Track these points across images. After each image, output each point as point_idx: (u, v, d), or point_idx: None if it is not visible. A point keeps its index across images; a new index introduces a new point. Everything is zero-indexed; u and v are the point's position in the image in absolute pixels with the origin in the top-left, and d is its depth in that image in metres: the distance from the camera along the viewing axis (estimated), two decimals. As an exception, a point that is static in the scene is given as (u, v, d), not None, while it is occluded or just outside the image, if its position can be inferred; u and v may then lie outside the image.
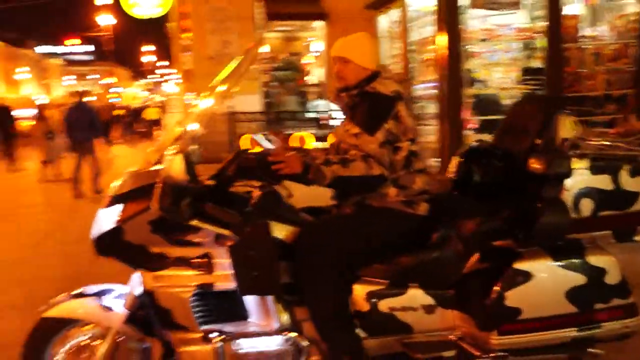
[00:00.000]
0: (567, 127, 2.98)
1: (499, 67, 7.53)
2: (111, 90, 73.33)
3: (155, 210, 2.65)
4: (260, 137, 3.39)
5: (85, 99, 12.52)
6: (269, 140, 3.34)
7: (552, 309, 2.78)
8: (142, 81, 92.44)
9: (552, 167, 2.77)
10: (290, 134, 13.94)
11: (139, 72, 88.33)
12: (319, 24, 16.79)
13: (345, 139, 3.04)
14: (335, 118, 15.62)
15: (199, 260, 2.77)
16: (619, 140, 3.27)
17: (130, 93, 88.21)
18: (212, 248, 2.77)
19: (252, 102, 15.70)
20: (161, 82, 76.21)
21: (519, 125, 3.13)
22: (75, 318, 2.97)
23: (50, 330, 2.97)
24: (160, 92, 69.02)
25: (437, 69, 7.43)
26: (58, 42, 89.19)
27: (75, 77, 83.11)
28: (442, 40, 7.14)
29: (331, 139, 3.37)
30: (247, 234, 2.71)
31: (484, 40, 7.53)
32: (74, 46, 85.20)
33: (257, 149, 3.33)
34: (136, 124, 29.64)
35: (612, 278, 2.81)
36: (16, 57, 79.01)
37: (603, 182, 2.86)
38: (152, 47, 67.32)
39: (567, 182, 2.82)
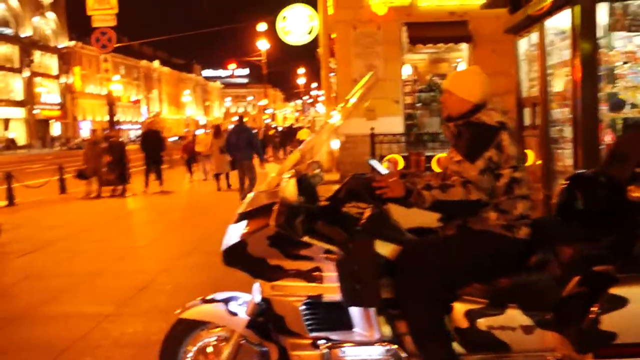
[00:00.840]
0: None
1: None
2: (265, 111, 76.88)
3: (272, 226, 3.02)
4: (375, 162, 3.69)
5: (244, 121, 13.77)
6: (384, 166, 3.63)
7: None
8: (293, 103, 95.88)
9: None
10: (432, 156, 14.13)
11: (291, 94, 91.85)
12: (464, 46, 16.88)
13: (450, 165, 3.28)
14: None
15: (311, 273, 3.11)
16: None
17: (281, 114, 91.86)
18: (322, 262, 3.09)
19: (394, 124, 16.09)
20: (311, 103, 78.75)
21: (623, 153, 3.20)
22: (205, 320, 3.42)
23: (185, 330, 3.44)
24: (310, 113, 71.33)
25: (573, 91, 7.32)
26: (218, 66, 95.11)
27: (230, 98, 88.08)
28: (578, 62, 7.05)
29: (434, 165, 3.63)
30: (352, 251, 3.01)
31: (626, 63, 7.32)
32: (231, 70, 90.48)
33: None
34: (290, 144, 30.98)
35: None
36: (181, 81, 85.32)
37: None
38: (303, 70, 69.83)
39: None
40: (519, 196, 3.18)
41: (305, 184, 3.34)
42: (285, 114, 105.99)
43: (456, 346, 3.10)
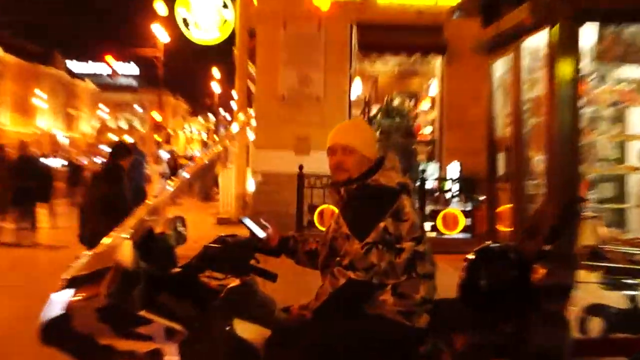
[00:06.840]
0: (588, 233, 3.79)
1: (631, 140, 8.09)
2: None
3: (103, 296, 3.56)
4: (249, 221, 4.32)
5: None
6: (260, 226, 4.29)
7: None
8: (202, 119, 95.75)
9: (553, 277, 3.57)
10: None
11: (201, 106, 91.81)
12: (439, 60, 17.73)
13: (337, 237, 3.90)
14: (448, 190, 16.22)
15: (149, 356, 3.70)
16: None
17: (185, 135, 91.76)
18: (162, 343, 3.68)
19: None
20: (229, 121, 78.81)
21: (534, 227, 3.96)
22: None
23: None
24: (228, 135, 71.10)
25: (546, 135, 7.98)
26: (91, 58, 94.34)
27: (106, 106, 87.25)
28: (553, 102, 7.74)
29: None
30: (200, 330, 3.64)
31: (614, 104, 8.09)
32: (111, 67, 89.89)
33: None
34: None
35: None
36: (34, 76, 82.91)
37: (617, 299, 3.61)
38: (219, 75, 69.26)
39: (574, 297, 3.59)
40: (422, 275, 3.80)
41: (162, 245, 3.95)
42: (191, 135, 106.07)
43: None
